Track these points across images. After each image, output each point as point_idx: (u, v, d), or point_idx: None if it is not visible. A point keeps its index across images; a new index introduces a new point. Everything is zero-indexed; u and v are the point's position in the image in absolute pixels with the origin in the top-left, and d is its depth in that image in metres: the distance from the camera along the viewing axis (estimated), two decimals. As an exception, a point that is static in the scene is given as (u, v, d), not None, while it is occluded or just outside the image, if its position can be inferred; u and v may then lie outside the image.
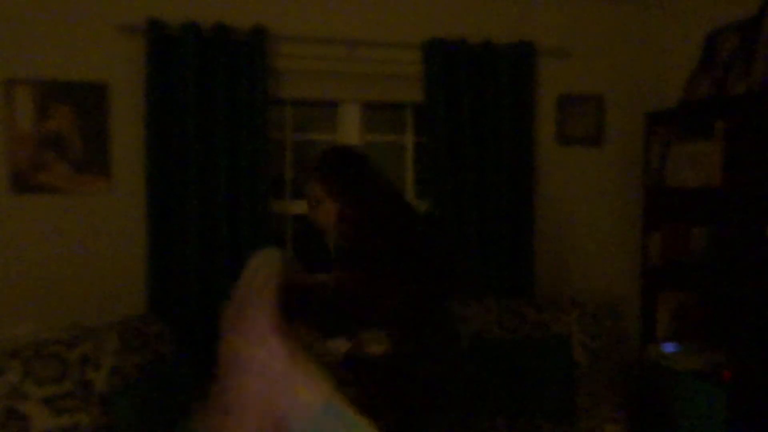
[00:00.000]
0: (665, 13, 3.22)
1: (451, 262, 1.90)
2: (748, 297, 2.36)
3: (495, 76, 3.00)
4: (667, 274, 2.87)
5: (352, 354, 1.78)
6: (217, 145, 2.70)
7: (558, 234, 3.16)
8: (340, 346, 1.78)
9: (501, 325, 2.72)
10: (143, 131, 2.63)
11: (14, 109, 2.58)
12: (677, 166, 2.75)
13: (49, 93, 2.60)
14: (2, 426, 1.71)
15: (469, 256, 2.95)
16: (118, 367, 1.98)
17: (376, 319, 1.73)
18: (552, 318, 2.72)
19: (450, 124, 2.95)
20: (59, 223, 2.63)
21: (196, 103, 2.65)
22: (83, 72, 2.62)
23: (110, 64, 2.64)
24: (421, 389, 1.72)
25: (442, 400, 1.74)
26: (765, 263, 2.25)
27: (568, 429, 2.32)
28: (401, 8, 2.95)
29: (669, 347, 2.77)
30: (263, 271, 1.64)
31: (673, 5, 3.18)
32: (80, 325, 2.11)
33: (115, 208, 2.68)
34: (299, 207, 3.10)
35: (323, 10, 2.86)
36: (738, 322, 2.46)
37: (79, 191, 2.65)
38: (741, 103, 2.42)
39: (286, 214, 3.03)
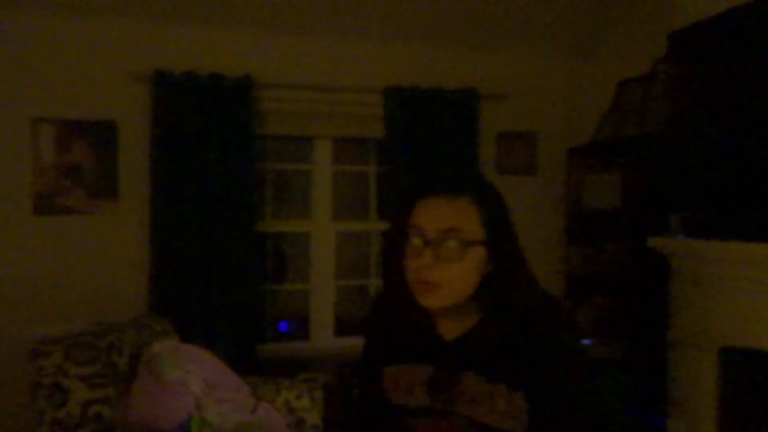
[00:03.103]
0: (586, 64, 3.86)
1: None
2: (640, 298, 2.96)
3: (444, 116, 3.56)
4: (586, 281, 3.46)
5: None
6: (210, 174, 3.19)
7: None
8: None
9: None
10: (148, 162, 3.13)
11: (38, 143, 3.05)
12: (591, 192, 3.36)
13: (69, 130, 3.08)
14: (50, 396, 2.18)
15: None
16: (136, 354, 2.45)
17: None
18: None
19: (407, 157, 3.49)
20: (75, 239, 3.09)
21: (193, 139, 3.16)
22: (98, 112, 3.11)
23: (121, 106, 3.14)
24: None
25: None
26: (649, 270, 2.85)
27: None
28: (365, 60, 3.51)
29: (588, 341, 3.36)
30: None
31: (593, 58, 3.82)
32: (105, 322, 2.59)
33: (122, 226, 3.16)
34: (278, 226, 3.61)
35: (300, 62, 3.40)
36: (636, 320, 3.06)
37: (92, 212, 3.12)
38: (634, 143, 3.05)
39: (267, 232, 3.55)
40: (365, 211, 3.80)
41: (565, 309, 1.27)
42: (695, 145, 2.53)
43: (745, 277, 2.40)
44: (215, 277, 3.21)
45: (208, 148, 3.19)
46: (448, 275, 1.09)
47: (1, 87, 2.99)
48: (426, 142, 3.53)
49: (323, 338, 3.61)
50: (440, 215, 1.10)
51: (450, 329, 1.18)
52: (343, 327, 3.71)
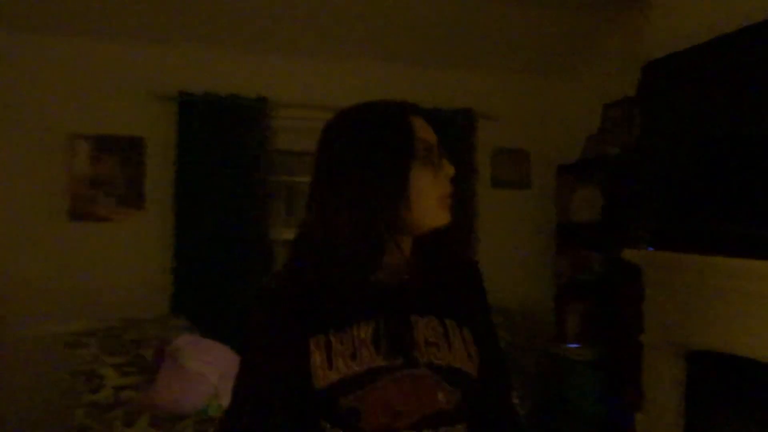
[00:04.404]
0: (574, 87, 4.14)
1: None
2: (619, 305, 3.22)
3: (443, 134, 3.79)
4: (572, 289, 3.73)
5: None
6: (228, 186, 3.51)
7: (493, 257, 4.00)
8: None
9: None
10: (172, 174, 3.45)
11: (74, 156, 3.38)
12: (577, 206, 3.64)
13: (101, 144, 3.41)
14: (88, 381, 2.49)
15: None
16: (160, 347, 2.76)
17: None
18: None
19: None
20: (105, 244, 3.41)
21: (214, 153, 3.47)
22: (127, 129, 3.44)
23: (148, 123, 3.47)
24: None
25: None
26: (627, 279, 3.11)
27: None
28: (368, 81, 3.81)
29: (573, 344, 3.62)
30: None
31: (580, 81, 4.10)
32: (131, 319, 2.90)
33: (147, 233, 3.48)
34: (289, 234, 3.90)
35: (310, 84, 3.72)
36: (615, 325, 3.32)
37: (121, 220, 3.44)
38: (613, 161, 3.32)
39: (278, 239, 3.84)
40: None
41: None
42: (661, 166, 2.79)
43: (709, 286, 2.65)
44: (231, 280, 3.51)
45: (226, 162, 3.51)
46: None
47: (41, 106, 3.33)
48: (426, 157, 3.80)
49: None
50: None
51: (393, 272, 1.06)
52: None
